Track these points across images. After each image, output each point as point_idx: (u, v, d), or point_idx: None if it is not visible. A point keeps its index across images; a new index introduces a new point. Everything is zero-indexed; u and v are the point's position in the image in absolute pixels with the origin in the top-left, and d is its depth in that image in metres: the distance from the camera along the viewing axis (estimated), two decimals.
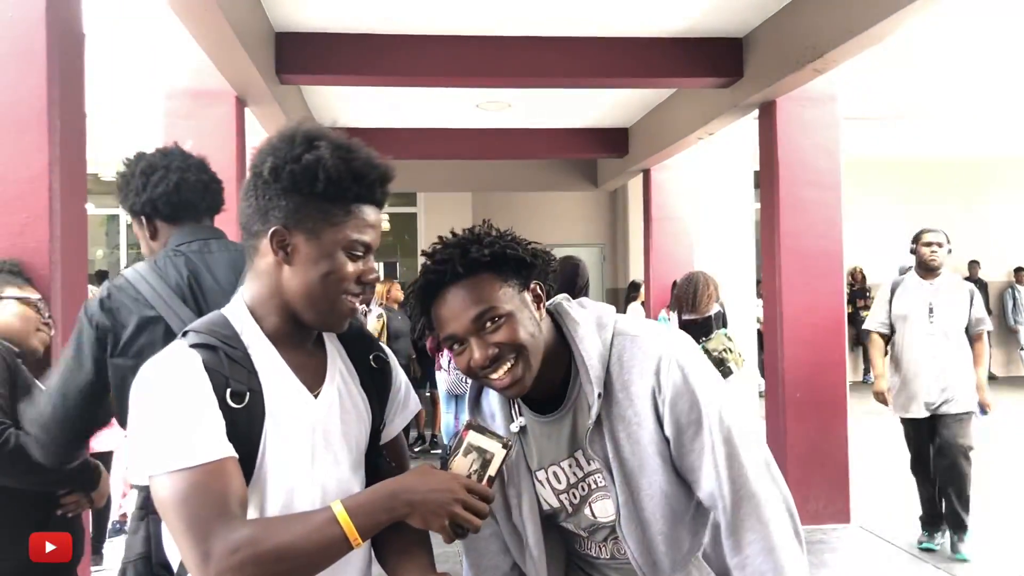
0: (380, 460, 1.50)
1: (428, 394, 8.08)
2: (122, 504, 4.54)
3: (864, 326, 5.16)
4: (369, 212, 1.35)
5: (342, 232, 1.32)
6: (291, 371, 1.36)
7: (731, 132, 7.16)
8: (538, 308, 1.53)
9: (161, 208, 2.05)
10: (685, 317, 6.95)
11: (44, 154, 2.60)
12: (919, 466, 4.94)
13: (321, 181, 1.29)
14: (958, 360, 4.75)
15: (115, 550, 4.33)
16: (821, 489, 5.32)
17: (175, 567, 1.34)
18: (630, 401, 1.49)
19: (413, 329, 1.54)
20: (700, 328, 6.79)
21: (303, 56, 5.35)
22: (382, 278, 9.84)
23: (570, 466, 1.58)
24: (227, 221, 2.07)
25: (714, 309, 6.74)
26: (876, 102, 8.47)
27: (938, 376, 4.72)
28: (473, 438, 1.40)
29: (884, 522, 5.34)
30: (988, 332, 4.89)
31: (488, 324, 1.45)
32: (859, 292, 11.92)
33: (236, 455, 1.25)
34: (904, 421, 4.94)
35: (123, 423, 1.63)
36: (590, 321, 1.56)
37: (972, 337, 4.82)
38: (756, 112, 5.81)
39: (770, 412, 5.62)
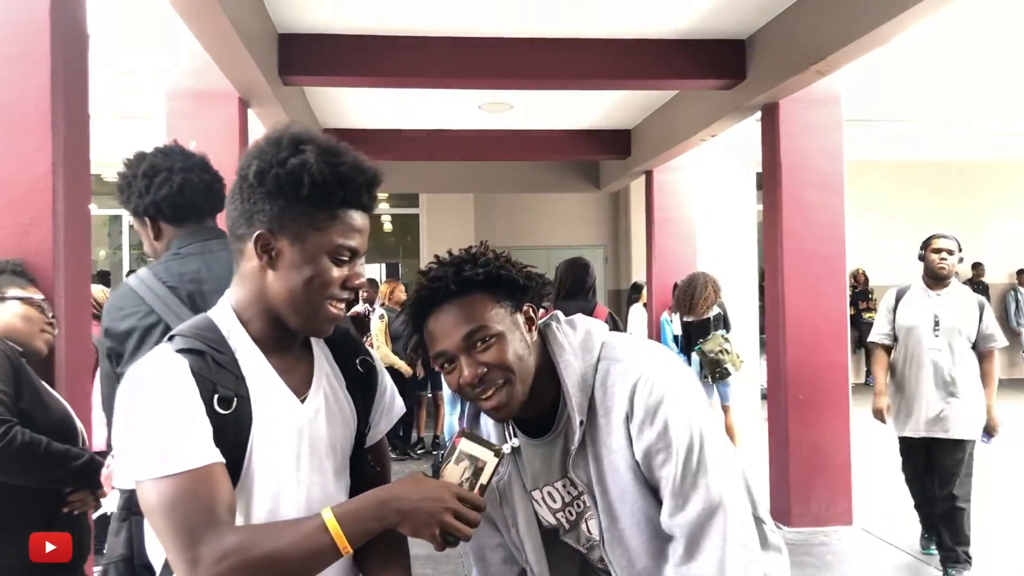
0: (364, 464, 1.49)
1: (431, 395, 8.07)
2: (103, 504, 4.55)
3: (869, 338, 4.82)
4: (355, 217, 1.34)
5: (327, 237, 1.31)
6: (278, 376, 1.36)
7: (734, 134, 7.16)
8: (530, 331, 1.54)
9: (165, 210, 2.05)
10: (685, 319, 6.96)
11: (48, 155, 2.61)
12: (913, 486, 4.71)
13: (306, 186, 1.28)
14: (963, 378, 4.37)
15: None
16: (823, 491, 5.31)
17: (157, 569, 1.34)
18: (610, 428, 1.49)
19: (405, 344, 1.54)
20: (699, 330, 6.81)
21: (306, 57, 5.36)
22: (385, 279, 9.84)
23: (563, 487, 1.59)
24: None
25: (714, 311, 6.74)
26: (879, 104, 8.46)
27: (940, 394, 4.37)
28: (465, 446, 1.40)
29: (886, 524, 5.33)
30: (1001, 349, 4.52)
31: (479, 343, 1.46)
32: (861, 294, 11.91)
33: (223, 461, 1.25)
34: (901, 439, 4.64)
35: None
36: (575, 345, 1.56)
37: (981, 354, 4.43)
38: (759, 114, 5.80)
39: (772, 413, 5.61)
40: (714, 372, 6.64)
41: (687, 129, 6.99)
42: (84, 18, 2.91)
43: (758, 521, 1.61)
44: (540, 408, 1.55)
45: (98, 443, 2.94)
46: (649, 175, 8.52)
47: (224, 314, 1.37)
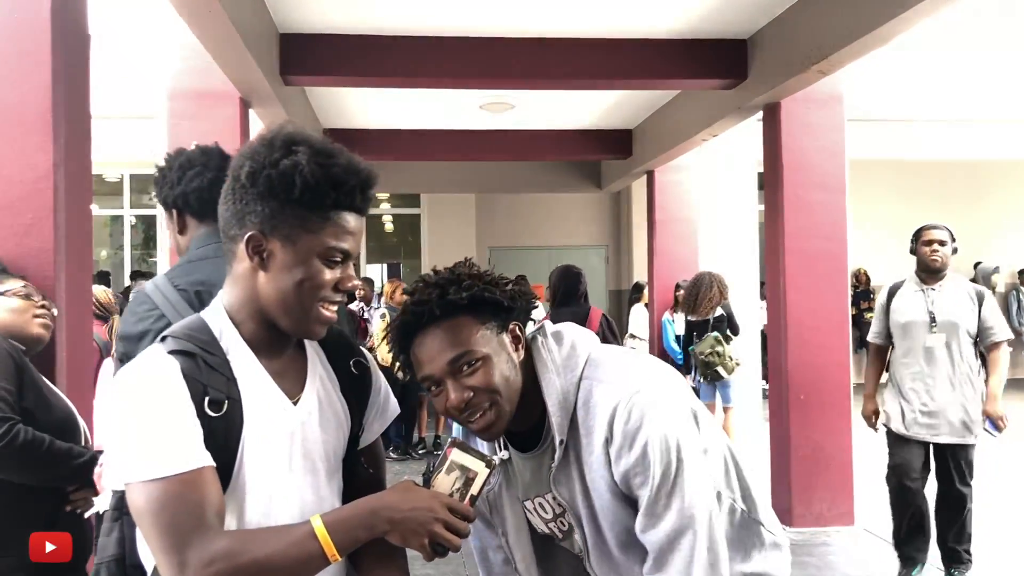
0: (357, 466, 1.49)
1: None
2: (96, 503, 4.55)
3: (867, 337, 4.60)
4: (348, 219, 1.32)
5: (319, 239, 1.30)
6: (270, 378, 1.35)
7: (735, 134, 7.15)
8: (516, 350, 1.52)
9: (192, 203, 2.05)
10: (689, 318, 6.97)
11: (49, 155, 2.61)
12: (899, 494, 4.27)
13: (298, 187, 1.26)
14: (964, 376, 4.14)
15: None
16: (825, 491, 5.31)
17: (148, 570, 1.33)
18: (591, 447, 1.49)
19: (393, 364, 1.53)
20: (701, 330, 6.81)
21: (307, 57, 5.36)
22: (387, 279, 9.85)
23: (553, 499, 1.59)
24: None
25: (717, 312, 6.74)
26: (881, 104, 8.46)
27: (940, 393, 4.14)
28: (457, 456, 1.39)
29: (888, 524, 5.31)
30: (1007, 341, 4.21)
31: (464, 367, 1.44)
32: (863, 294, 11.91)
33: (214, 464, 1.24)
34: (890, 432, 4.34)
35: None
36: (558, 362, 1.54)
37: (986, 348, 4.18)
38: (760, 114, 5.80)
39: (774, 414, 5.61)
40: (706, 373, 6.66)
41: (688, 129, 6.99)
42: (85, 18, 2.91)
43: (755, 523, 1.61)
44: (529, 422, 1.54)
45: (101, 442, 2.94)
46: (650, 175, 8.52)
47: (217, 315, 1.37)
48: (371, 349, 6.53)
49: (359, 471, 1.49)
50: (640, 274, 10.70)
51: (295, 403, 1.37)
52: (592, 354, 1.56)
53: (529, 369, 1.54)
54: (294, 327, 1.34)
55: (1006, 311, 12.65)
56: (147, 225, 12.43)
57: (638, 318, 8.96)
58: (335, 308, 1.36)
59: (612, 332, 5.60)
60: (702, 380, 6.76)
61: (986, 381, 4.18)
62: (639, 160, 8.51)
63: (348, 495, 1.45)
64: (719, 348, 6.56)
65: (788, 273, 5.40)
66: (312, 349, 1.45)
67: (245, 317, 1.35)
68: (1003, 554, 4.79)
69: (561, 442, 1.50)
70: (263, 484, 1.32)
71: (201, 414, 1.25)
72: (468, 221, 12.49)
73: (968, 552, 4.25)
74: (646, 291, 8.95)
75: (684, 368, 7.34)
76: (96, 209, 11.20)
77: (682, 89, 6.84)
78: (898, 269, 5.68)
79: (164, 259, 5.55)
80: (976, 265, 12.45)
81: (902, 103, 8.71)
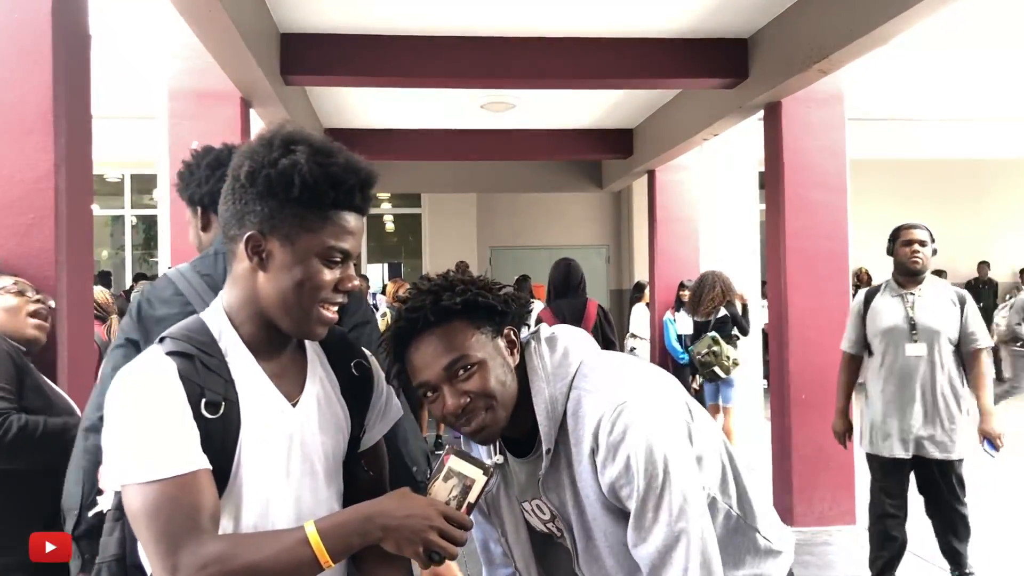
0: (358, 468, 1.48)
1: None
2: (99, 502, 4.55)
3: (841, 345, 4.23)
4: (348, 218, 1.32)
5: (318, 239, 1.29)
6: (268, 379, 1.34)
7: (736, 133, 7.15)
8: (511, 354, 1.52)
9: (218, 201, 2.06)
10: (695, 318, 6.98)
11: (50, 155, 2.61)
12: (883, 516, 3.98)
13: (297, 187, 1.26)
14: (949, 388, 3.86)
15: None
16: (826, 490, 5.30)
17: (149, 570, 1.32)
18: (580, 456, 1.48)
19: (388, 373, 1.51)
20: (704, 330, 6.81)
21: (308, 57, 5.36)
22: (388, 279, 9.85)
23: (547, 502, 1.58)
24: None
25: (720, 312, 6.73)
26: (881, 103, 8.46)
27: (923, 408, 3.83)
28: (454, 463, 1.38)
29: None
30: (988, 348, 3.95)
31: (460, 372, 1.44)
32: None
33: (210, 467, 1.24)
34: (871, 458, 4.03)
35: None
36: (548, 370, 1.53)
37: (968, 355, 3.89)
38: (761, 113, 5.80)
39: (775, 413, 5.61)
40: (703, 373, 6.67)
41: (689, 128, 6.99)
42: (86, 18, 2.91)
43: (750, 529, 1.60)
44: (524, 428, 1.53)
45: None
46: (651, 174, 8.52)
47: (216, 316, 1.36)
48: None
49: (360, 474, 1.48)
50: (641, 274, 10.71)
51: (294, 405, 1.36)
52: (584, 362, 1.54)
53: (524, 374, 1.53)
54: (294, 328, 1.34)
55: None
56: (148, 225, 12.44)
57: (639, 318, 8.96)
58: (336, 309, 1.35)
59: (608, 323, 5.66)
60: (705, 380, 6.77)
61: (976, 395, 3.90)
62: (640, 160, 8.51)
63: (349, 498, 1.45)
64: (715, 348, 6.57)
65: (789, 272, 5.40)
66: (313, 350, 1.44)
67: (244, 318, 1.35)
68: (1009, 562, 4.78)
69: (548, 451, 1.49)
70: (260, 486, 1.31)
71: (198, 416, 1.25)
72: (469, 221, 12.50)
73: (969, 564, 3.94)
74: (647, 291, 8.95)
75: (691, 368, 7.35)
76: (97, 209, 11.21)
77: (683, 88, 6.84)
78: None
79: (165, 259, 5.55)
80: (980, 264, 12.44)
81: (902, 102, 8.71)
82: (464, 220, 12.46)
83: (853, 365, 4.15)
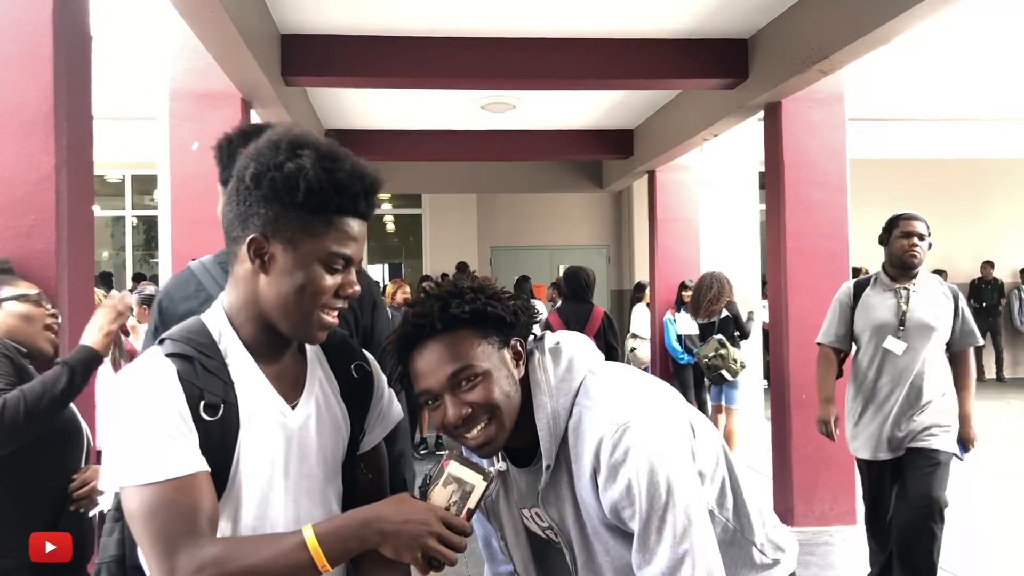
0: (357, 471, 1.48)
1: None
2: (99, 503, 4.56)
3: (816, 339, 4.00)
4: (352, 224, 1.31)
5: (321, 244, 1.28)
6: (268, 381, 1.34)
7: (736, 133, 7.15)
8: (517, 365, 1.50)
9: None
10: (698, 320, 6.96)
11: (51, 156, 2.61)
12: (876, 519, 3.88)
13: (301, 191, 1.25)
14: (937, 385, 3.68)
15: None
16: (827, 490, 5.31)
17: (148, 571, 1.34)
18: (580, 473, 1.47)
19: (390, 378, 1.50)
20: (708, 332, 6.80)
21: (308, 58, 5.36)
22: (388, 279, 9.85)
23: (550, 516, 1.57)
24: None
25: (723, 313, 6.72)
26: (881, 103, 8.46)
27: (908, 408, 3.66)
28: (454, 469, 1.37)
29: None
30: (976, 348, 3.81)
31: (464, 382, 1.42)
32: None
33: (208, 469, 1.24)
34: (860, 460, 3.92)
35: None
36: (552, 383, 1.51)
37: (955, 354, 3.75)
38: (761, 113, 5.80)
39: (775, 413, 5.61)
40: (710, 376, 6.64)
41: (689, 129, 6.99)
42: (87, 19, 2.91)
43: (747, 542, 1.59)
44: (527, 439, 1.52)
45: (102, 442, 2.94)
46: (652, 175, 8.52)
47: (217, 318, 1.36)
48: None
49: (359, 476, 1.48)
50: (642, 274, 10.71)
51: (293, 407, 1.36)
52: (588, 376, 1.52)
53: (528, 386, 1.51)
54: (294, 331, 1.33)
55: (1007, 310, 12.66)
56: (148, 226, 12.45)
57: (640, 318, 8.96)
58: (336, 314, 1.35)
59: (612, 330, 5.91)
60: (711, 383, 6.74)
61: (960, 396, 3.72)
62: (640, 160, 8.52)
63: (349, 500, 1.45)
64: (722, 351, 6.54)
65: (789, 272, 5.41)
66: (313, 353, 1.44)
67: (244, 320, 1.34)
68: (1007, 570, 4.78)
69: (548, 466, 1.48)
70: (259, 488, 1.31)
71: (197, 418, 1.25)
72: (469, 221, 12.50)
73: None
74: (648, 291, 8.95)
75: (694, 368, 7.35)
76: (98, 210, 11.22)
77: (683, 89, 6.84)
78: None
79: (166, 260, 5.55)
80: (984, 264, 12.43)
81: (903, 102, 8.71)
82: (465, 220, 12.47)
83: (834, 359, 3.92)
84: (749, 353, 7.25)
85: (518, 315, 1.49)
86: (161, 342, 1.32)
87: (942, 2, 3.85)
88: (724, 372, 6.55)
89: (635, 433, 1.41)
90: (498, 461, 1.60)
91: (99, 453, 2.31)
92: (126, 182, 12.19)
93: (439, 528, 1.27)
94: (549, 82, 5.89)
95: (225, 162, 2.06)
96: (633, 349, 8.76)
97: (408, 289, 8.17)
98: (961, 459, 3.73)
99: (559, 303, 6.23)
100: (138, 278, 10.39)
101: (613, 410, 1.45)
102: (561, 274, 6.32)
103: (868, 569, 4.03)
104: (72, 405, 2.40)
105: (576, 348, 1.57)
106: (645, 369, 8.15)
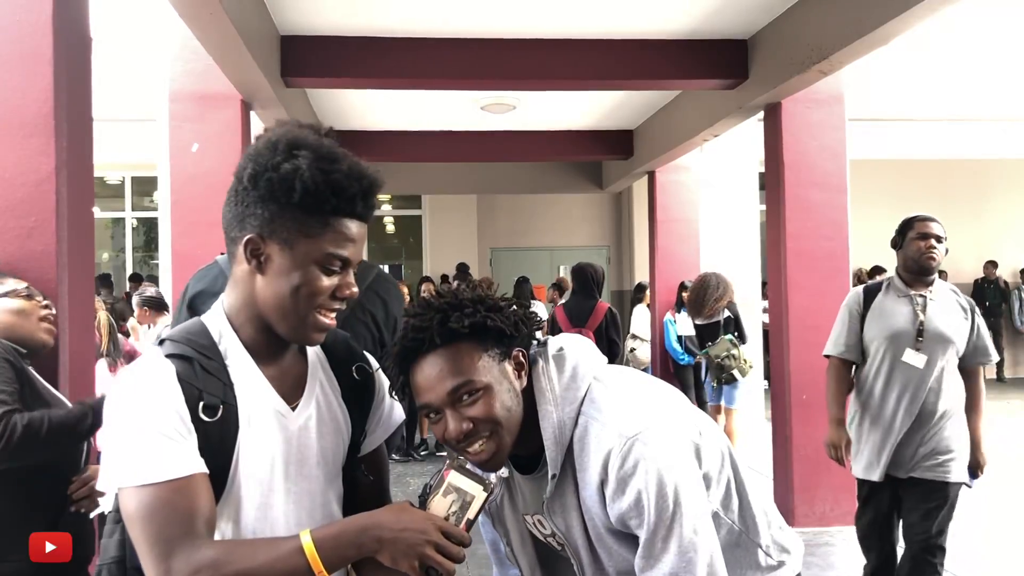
0: (358, 473, 1.47)
1: None
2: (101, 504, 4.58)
3: (825, 350, 3.69)
4: (349, 226, 1.30)
5: (317, 245, 1.28)
6: (268, 383, 1.34)
7: (736, 134, 7.15)
8: (519, 377, 1.48)
9: None
10: (696, 321, 6.94)
11: (51, 158, 2.61)
12: (875, 533, 3.66)
13: (298, 192, 1.25)
14: (949, 403, 3.41)
15: None
16: (827, 491, 5.30)
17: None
18: (586, 482, 1.46)
19: (391, 389, 1.48)
20: (710, 332, 6.78)
21: (308, 59, 5.36)
22: None
23: (555, 524, 1.57)
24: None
25: (724, 313, 6.71)
26: (881, 103, 8.46)
27: (922, 425, 3.38)
28: (454, 478, 1.35)
29: None
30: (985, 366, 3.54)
31: (464, 397, 1.40)
32: None
33: (206, 471, 1.24)
34: (863, 483, 3.66)
35: None
36: (557, 392, 1.49)
37: (967, 371, 3.47)
38: (761, 114, 5.80)
39: (776, 414, 5.61)
40: (719, 376, 6.61)
41: (689, 129, 6.99)
42: (87, 21, 2.91)
43: (752, 544, 1.59)
44: (530, 449, 1.51)
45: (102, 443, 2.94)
46: (652, 175, 8.52)
47: (217, 319, 1.36)
48: None
49: (360, 478, 1.47)
50: (642, 274, 10.71)
51: (293, 408, 1.36)
52: (593, 384, 1.51)
53: (531, 394, 1.50)
54: (290, 333, 1.33)
55: (1008, 310, 12.66)
56: (148, 227, 12.45)
57: (640, 318, 8.96)
58: (334, 315, 1.34)
59: (615, 326, 6.10)
60: (714, 384, 6.73)
61: (970, 417, 3.47)
62: (640, 160, 8.52)
63: (349, 502, 1.45)
64: (735, 351, 6.54)
65: (790, 273, 5.41)
66: (314, 354, 1.44)
67: (244, 321, 1.34)
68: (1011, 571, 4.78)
69: (553, 476, 1.47)
70: (259, 490, 1.31)
71: (196, 419, 1.25)
72: (469, 222, 12.50)
73: None
74: (648, 291, 8.95)
75: (706, 370, 7.35)
76: (97, 212, 11.22)
77: (683, 89, 6.84)
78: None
79: (165, 261, 5.55)
80: (987, 264, 12.41)
81: (903, 103, 8.71)
82: (465, 221, 12.47)
83: (845, 373, 3.62)
84: (750, 353, 7.25)
85: (519, 326, 1.48)
86: (161, 343, 1.32)
87: (941, 2, 3.85)
88: (736, 372, 6.54)
89: (643, 445, 1.40)
90: (500, 469, 1.60)
91: (99, 454, 2.32)
92: (126, 184, 12.19)
93: (437, 537, 1.25)
94: (549, 83, 5.89)
95: None
96: (633, 350, 8.76)
97: (406, 290, 8.16)
98: (970, 487, 3.49)
99: (564, 299, 6.35)
100: (135, 279, 10.38)
101: (620, 421, 1.44)
102: (561, 274, 6.44)
103: None
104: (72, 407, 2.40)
105: (580, 354, 1.55)
106: (645, 370, 8.16)
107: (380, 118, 7.98)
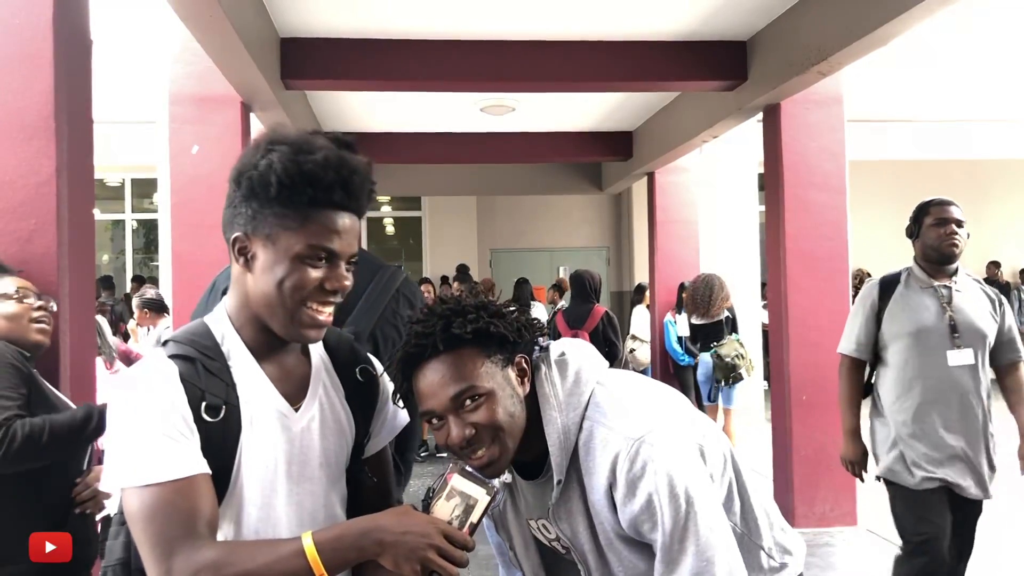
0: (362, 475, 1.46)
1: None
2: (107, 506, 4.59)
3: (838, 348, 3.36)
4: (332, 217, 1.29)
5: (298, 237, 1.27)
6: (271, 383, 1.34)
7: (736, 135, 7.16)
8: (522, 383, 1.48)
9: None
10: (696, 321, 6.92)
11: (52, 160, 2.61)
12: (936, 551, 3.06)
13: (273, 186, 1.25)
14: (987, 407, 3.12)
15: None
16: (828, 491, 5.31)
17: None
18: (592, 486, 1.46)
19: (394, 395, 1.47)
20: (711, 332, 6.78)
21: (308, 61, 5.37)
22: None
23: (561, 530, 1.56)
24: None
25: (724, 313, 6.73)
26: (881, 104, 8.47)
27: (967, 433, 3.06)
28: (458, 482, 1.35)
29: (891, 525, 5.31)
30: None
31: (467, 403, 1.40)
32: None
33: (208, 471, 1.24)
34: (897, 487, 3.16)
35: None
36: (561, 397, 1.49)
37: (1005, 367, 3.18)
38: (761, 115, 5.81)
39: (776, 414, 5.61)
40: (728, 376, 6.61)
41: (689, 130, 6.99)
42: (87, 23, 2.91)
43: (754, 546, 1.59)
44: (533, 454, 1.51)
45: (103, 443, 2.94)
46: (651, 176, 8.53)
47: (219, 320, 1.36)
48: None
49: (364, 480, 1.47)
50: (642, 275, 10.71)
51: (296, 409, 1.36)
52: (597, 389, 1.51)
53: (533, 399, 1.49)
54: (283, 330, 1.32)
55: None
56: (148, 229, 12.45)
57: (640, 320, 8.96)
58: (329, 311, 1.33)
59: (612, 327, 6.30)
60: (723, 384, 6.72)
61: (1016, 413, 3.19)
62: (640, 162, 8.52)
63: (353, 504, 1.44)
64: (742, 350, 6.55)
65: (789, 273, 5.41)
66: (318, 356, 1.44)
67: (244, 321, 1.35)
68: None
69: (559, 481, 1.47)
70: (262, 491, 1.31)
71: (198, 419, 1.25)
72: (469, 223, 12.51)
73: None
74: (647, 293, 8.96)
75: (694, 369, 7.35)
76: (98, 213, 11.22)
77: (682, 91, 6.85)
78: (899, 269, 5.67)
79: (165, 263, 5.56)
80: (990, 264, 12.42)
81: (902, 103, 8.72)
82: (464, 222, 12.47)
83: (860, 375, 3.30)
84: (750, 354, 7.26)
85: (522, 332, 1.47)
86: (164, 344, 1.33)
87: (940, 3, 3.85)
88: (743, 371, 6.55)
89: (650, 446, 1.40)
90: (504, 473, 1.60)
91: (102, 454, 2.33)
92: (126, 185, 12.20)
93: (440, 541, 1.25)
94: (548, 84, 5.90)
95: None
96: (633, 351, 8.76)
97: None
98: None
99: (563, 304, 6.56)
100: (138, 280, 10.39)
101: (626, 424, 1.44)
102: (561, 275, 6.58)
103: (869, 570, 3.98)
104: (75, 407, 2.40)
105: (582, 359, 1.55)
106: (644, 371, 8.16)
107: (380, 120, 7.98)
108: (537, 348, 1.55)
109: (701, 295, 6.73)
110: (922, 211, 3.25)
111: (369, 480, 1.48)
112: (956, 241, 3.13)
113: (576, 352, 1.57)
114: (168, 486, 1.20)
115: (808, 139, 5.46)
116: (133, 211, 12.34)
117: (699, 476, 1.43)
